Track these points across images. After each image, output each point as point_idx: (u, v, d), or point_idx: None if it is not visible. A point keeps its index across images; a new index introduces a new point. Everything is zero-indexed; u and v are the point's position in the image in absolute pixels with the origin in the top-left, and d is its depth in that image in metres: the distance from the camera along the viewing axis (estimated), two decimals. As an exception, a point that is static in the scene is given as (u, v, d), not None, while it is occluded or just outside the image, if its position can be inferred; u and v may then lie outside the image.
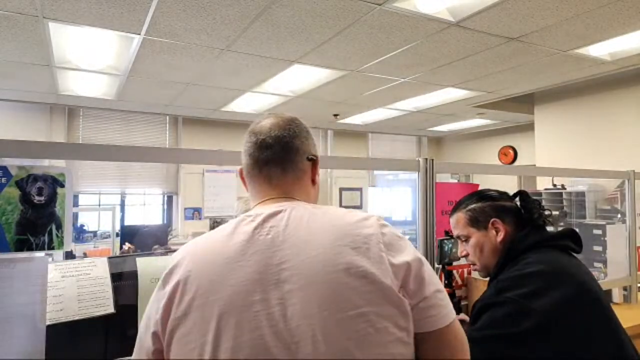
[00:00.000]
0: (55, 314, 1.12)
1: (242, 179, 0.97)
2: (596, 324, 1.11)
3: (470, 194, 1.43)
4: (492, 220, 1.32)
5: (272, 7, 3.04)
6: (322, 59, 4.16)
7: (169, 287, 0.80)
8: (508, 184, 6.84)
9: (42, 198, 1.07)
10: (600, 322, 1.13)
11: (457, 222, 1.39)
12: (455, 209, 1.42)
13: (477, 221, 1.34)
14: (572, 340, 1.07)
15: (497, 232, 1.31)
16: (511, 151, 8.12)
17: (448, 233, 1.80)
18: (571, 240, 1.29)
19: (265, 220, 0.82)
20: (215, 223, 7.11)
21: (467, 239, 1.37)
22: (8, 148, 1.05)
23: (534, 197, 1.38)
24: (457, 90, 5.37)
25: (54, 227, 1.08)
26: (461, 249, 1.41)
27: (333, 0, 2.94)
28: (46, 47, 3.78)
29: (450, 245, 1.77)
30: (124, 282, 1.25)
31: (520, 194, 1.37)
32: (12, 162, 1.05)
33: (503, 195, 1.39)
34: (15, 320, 1.02)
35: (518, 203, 1.37)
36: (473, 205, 1.37)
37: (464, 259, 1.81)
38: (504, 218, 1.32)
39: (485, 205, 1.35)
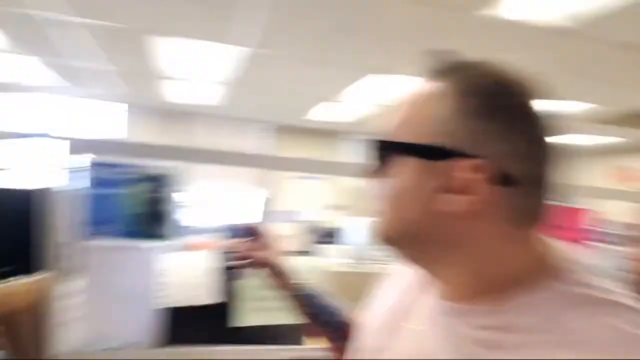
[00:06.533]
0: (167, 299, 1.24)
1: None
2: None
3: None
4: None
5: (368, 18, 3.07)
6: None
7: None
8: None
9: (160, 195, 1.21)
10: None
11: None
12: None
13: None
14: None
15: None
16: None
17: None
18: None
19: None
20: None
21: None
22: (137, 150, 1.23)
23: None
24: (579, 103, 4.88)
25: (167, 220, 1.22)
26: None
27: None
28: (152, 59, 4.19)
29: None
30: (227, 275, 1.34)
31: None
32: (139, 162, 1.20)
33: None
34: (132, 303, 1.16)
35: None
36: None
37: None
38: None
39: None
